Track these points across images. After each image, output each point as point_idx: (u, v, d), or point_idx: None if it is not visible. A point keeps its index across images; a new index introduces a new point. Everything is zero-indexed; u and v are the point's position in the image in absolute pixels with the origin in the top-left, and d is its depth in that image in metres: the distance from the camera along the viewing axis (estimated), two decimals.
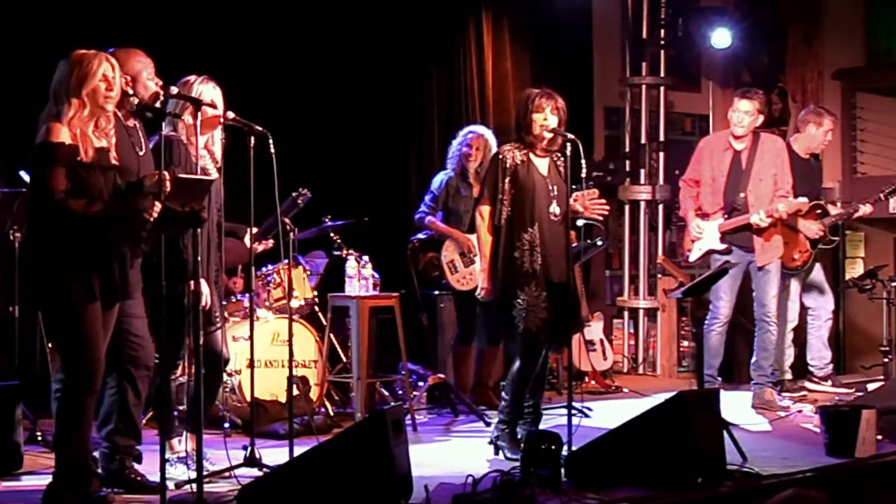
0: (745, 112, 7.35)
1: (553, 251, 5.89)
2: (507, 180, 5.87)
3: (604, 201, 6.06)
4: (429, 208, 7.62)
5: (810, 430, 6.63)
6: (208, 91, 5.45)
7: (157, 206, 4.76)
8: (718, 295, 7.42)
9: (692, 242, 7.56)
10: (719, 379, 7.54)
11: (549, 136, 5.89)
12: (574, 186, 5.91)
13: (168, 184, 4.78)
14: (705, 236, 7.49)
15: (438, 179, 7.67)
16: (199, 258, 4.96)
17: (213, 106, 5.41)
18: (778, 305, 7.56)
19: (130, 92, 5.01)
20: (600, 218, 6.22)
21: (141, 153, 5.09)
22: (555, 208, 5.93)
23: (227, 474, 5.35)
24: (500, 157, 5.95)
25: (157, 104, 5.17)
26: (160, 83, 5.26)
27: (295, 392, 6.17)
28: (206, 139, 5.51)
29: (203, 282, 5.29)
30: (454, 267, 7.54)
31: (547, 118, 5.88)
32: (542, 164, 5.98)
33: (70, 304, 4.76)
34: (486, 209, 5.97)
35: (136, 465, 5.25)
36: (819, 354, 8.12)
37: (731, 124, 7.46)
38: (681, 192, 7.77)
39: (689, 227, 7.56)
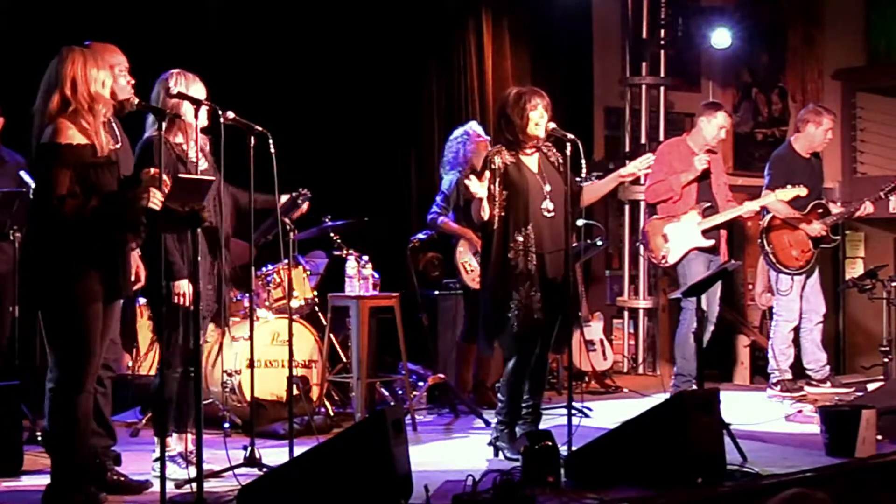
0: (724, 129, 7.62)
1: (549, 249, 5.86)
2: (497, 182, 5.86)
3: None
4: (441, 209, 7.60)
5: (810, 430, 6.62)
6: (195, 88, 5.43)
7: (155, 194, 4.74)
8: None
9: (665, 243, 7.51)
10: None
11: (542, 134, 5.89)
12: (578, 178, 5.93)
13: (168, 183, 4.79)
14: (681, 235, 7.47)
15: (448, 180, 7.63)
16: (199, 258, 4.96)
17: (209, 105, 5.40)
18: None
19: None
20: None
21: (118, 146, 5.07)
22: (547, 204, 5.89)
23: (226, 474, 5.35)
24: (490, 160, 5.91)
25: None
26: (132, 82, 5.26)
27: (295, 392, 6.17)
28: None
29: (186, 282, 5.30)
30: (468, 266, 7.51)
31: (543, 115, 5.88)
32: (531, 162, 5.96)
33: (71, 304, 4.74)
34: None
35: (117, 468, 5.24)
36: (814, 357, 8.08)
37: (704, 134, 7.58)
38: (659, 187, 7.63)
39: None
